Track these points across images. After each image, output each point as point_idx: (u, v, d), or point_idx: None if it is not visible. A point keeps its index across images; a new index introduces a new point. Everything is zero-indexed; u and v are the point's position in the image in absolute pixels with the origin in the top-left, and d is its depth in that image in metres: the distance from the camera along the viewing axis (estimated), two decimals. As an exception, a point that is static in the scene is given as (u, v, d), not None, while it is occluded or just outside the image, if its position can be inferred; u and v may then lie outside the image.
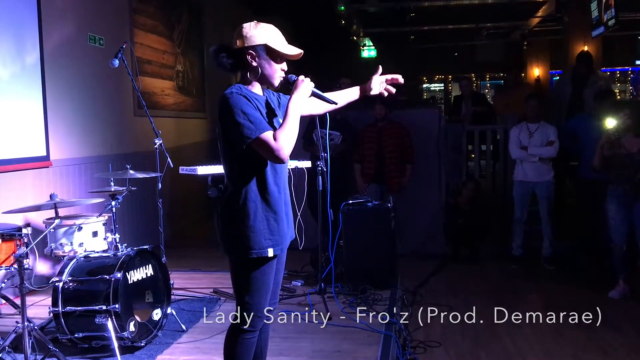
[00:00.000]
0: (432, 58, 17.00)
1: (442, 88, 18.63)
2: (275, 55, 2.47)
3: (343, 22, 11.37)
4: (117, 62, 4.33)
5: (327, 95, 2.69)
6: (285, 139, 2.36)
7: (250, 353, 2.57)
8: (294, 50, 2.50)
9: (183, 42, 8.09)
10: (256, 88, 2.51)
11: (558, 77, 10.86)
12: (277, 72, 2.49)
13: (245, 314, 2.50)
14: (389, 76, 2.82)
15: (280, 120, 2.49)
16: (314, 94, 2.57)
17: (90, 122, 5.84)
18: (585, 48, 8.83)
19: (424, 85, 18.62)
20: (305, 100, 2.52)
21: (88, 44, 5.77)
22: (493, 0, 10.59)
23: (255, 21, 2.50)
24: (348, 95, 2.86)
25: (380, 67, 2.88)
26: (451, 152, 7.18)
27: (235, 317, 2.54)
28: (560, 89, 7.90)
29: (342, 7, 10.38)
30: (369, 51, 15.08)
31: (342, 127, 5.72)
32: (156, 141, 4.46)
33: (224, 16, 9.88)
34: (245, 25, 2.46)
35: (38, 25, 5.04)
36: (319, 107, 2.80)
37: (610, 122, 5.01)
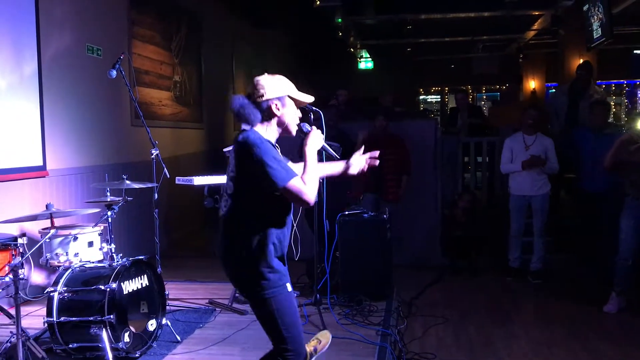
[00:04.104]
0: (429, 70, 17.08)
1: (439, 100, 18.70)
2: (294, 104, 2.66)
3: (340, 34, 11.42)
4: (114, 72, 4.34)
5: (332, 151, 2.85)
6: (311, 182, 2.50)
7: None
8: (308, 98, 2.69)
9: (181, 53, 8.12)
10: (272, 135, 2.62)
11: (554, 90, 10.93)
12: (295, 119, 2.67)
13: (293, 349, 2.54)
14: (368, 155, 2.90)
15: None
16: (323, 148, 2.74)
17: (87, 132, 5.84)
18: (581, 60, 8.90)
19: (421, 97, 18.68)
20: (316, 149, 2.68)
21: (86, 55, 5.80)
22: (489, 13, 10.64)
23: (267, 73, 2.66)
24: (332, 167, 2.94)
25: (362, 145, 3.00)
26: (447, 164, 7.21)
27: (278, 354, 2.56)
28: (556, 101, 7.96)
29: (340, 19, 10.42)
30: (366, 63, 15.13)
31: (341, 139, 5.75)
32: (153, 151, 4.47)
33: (222, 27, 9.93)
34: (262, 78, 2.62)
35: (36, 36, 5.07)
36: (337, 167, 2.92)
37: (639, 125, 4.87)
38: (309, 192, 2.46)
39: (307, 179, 2.49)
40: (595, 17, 8.18)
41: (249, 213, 2.53)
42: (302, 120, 2.70)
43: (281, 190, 2.44)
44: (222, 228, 2.61)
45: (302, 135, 2.67)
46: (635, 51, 16.25)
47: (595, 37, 8.27)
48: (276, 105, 2.59)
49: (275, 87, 2.60)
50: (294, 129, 2.67)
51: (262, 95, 2.57)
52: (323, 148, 2.74)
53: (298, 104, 2.67)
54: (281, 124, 2.63)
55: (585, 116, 6.67)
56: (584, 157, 5.94)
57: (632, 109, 17.02)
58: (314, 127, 2.69)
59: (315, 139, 2.65)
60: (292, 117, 2.64)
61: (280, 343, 2.54)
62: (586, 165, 5.96)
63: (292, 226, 2.74)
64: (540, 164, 5.82)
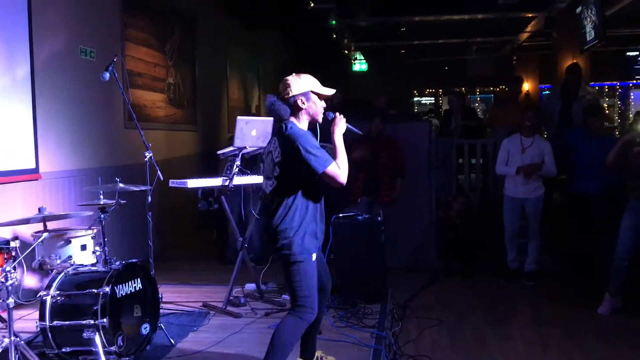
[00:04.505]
0: (423, 72, 17.10)
1: (433, 101, 18.73)
2: (318, 97, 3.15)
3: (335, 36, 11.43)
4: (107, 75, 4.32)
5: (355, 128, 3.36)
6: (344, 166, 3.06)
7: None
8: (330, 91, 3.19)
9: (175, 55, 8.10)
10: (304, 126, 3.15)
11: (549, 92, 10.96)
12: (321, 110, 3.17)
13: (304, 304, 3.08)
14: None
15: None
16: (347, 128, 3.23)
17: (80, 134, 5.82)
18: (574, 61, 8.93)
19: (415, 99, 18.71)
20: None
21: (79, 57, 5.77)
22: (483, 15, 10.67)
23: (295, 73, 3.16)
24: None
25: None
26: (441, 166, 7.21)
27: (293, 308, 3.11)
28: (550, 103, 7.98)
29: (334, 22, 10.44)
30: (360, 65, 15.17)
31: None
32: (146, 154, 4.45)
33: (216, 30, 9.92)
34: (289, 78, 3.14)
35: (29, 38, 5.04)
36: None
37: None
38: (343, 174, 3.03)
39: (340, 163, 3.05)
40: (589, 19, 8.21)
41: (290, 191, 3.05)
42: (327, 109, 3.20)
43: (321, 175, 2.99)
44: (267, 204, 3.18)
45: (328, 121, 3.19)
46: (628, 53, 16.35)
47: (588, 39, 8.31)
48: (301, 100, 3.10)
49: (299, 84, 3.11)
50: (320, 118, 3.18)
51: (289, 93, 3.10)
52: (348, 129, 3.23)
53: (321, 97, 3.16)
54: (308, 115, 3.15)
55: (578, 117, 6.70)
56: (578, 158, 5.95)
57: (625, 110, 17.10)
58: (337, 114, 3.20)
59: (340, 125, 3.18)
60: (316, 108, 3.15)
61: (297, 300, 3.09)
62: (580, 167, 5.97)
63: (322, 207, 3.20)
64: (535, 171, 5.81)
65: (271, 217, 3.10)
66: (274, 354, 3.08)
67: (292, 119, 3.13)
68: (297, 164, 3.00)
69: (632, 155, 4.73)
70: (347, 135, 3.24)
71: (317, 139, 3.24)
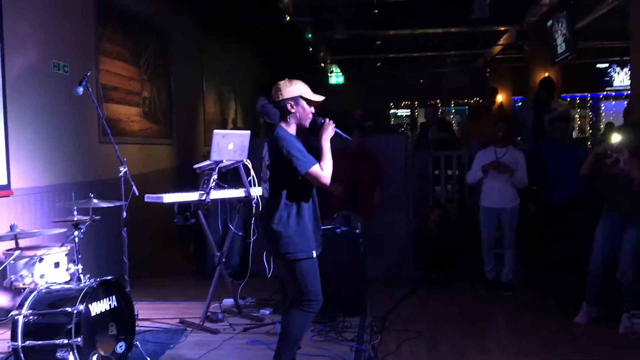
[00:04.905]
0: (399, 84, 17.26)
1: (409, 114, 18.89)
2: (307, 103, 3.29)
3: (310, 49, 11.48)
4: (81, 89, 4.27)
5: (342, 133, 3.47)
6: (327, 169, 3.22)
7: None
8: (319, 97, 3.32)
9: (150, 69, 8.05)
10: (292, 129, 3.30)
11: (520, 103, 11.14)
12: (309, 115, 3.32)
13: (310, 298, 3.22)
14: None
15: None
16: (336, 133, 3.36)
17: (54, 149, 5.73)
18: (546, 75, 9.10)
19: (391, 111, 18.86)
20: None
21: (52, 71, 5.69)
22: (456, 29, 10.84)
23: (287, 79, 3.30)
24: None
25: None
26: (418, 178, 7.26)
27: (300, 303, 3.25)
28: (522, 115, 8.11)
29: (310, 35, 10.49)
30: (336, 77, 15.23)
31: (316, 153, 5.75)
32: (121, 169, 4.39)
33: (191, 43, 9.89)
34: (281, 82, 3.29)
35: (0, 51, 4.96)
36: None
37: (615, 138, 4.81)
38: (326, 175, 3.20)
39: (324, 165, 3.21)
40: (559, 32, 8.39)
41: (282, 193, 3.21)
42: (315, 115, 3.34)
43: (303, 175, 3.16)
44: (264, 207, 3.38)
45: (317, 126, 3.32)
46: (598, 65, 16.71)
47: (559, 52, 8.48)
48: (291, 104, 3.26)
49: (289, 89, 3.26)
50: (307, 123, 3.32)
51: (279, 97, 3.26)
52: (336, 133, 3.36)
53: (310, 103, 3.30)
54: (295, 119, 3.29)
55: (550, 129, 6.82)
56: (550, 168, 6.05)
57: (596, 121, 17.45)
58: (326, 119, 3.33)
59: (328, 130, 3.31)
60: (304, 113, 3.30)
61: (302, 295, 3.23)
62: (552, 177, 6.07)
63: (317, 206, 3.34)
64: (504, 171, 5.84)
65: (269, 220, 3.23)
66: (285, 349, 3.29)
67: (282, 123, 3.29)
68: (284, 166, 3.17)
69: (604, 167, 4.81)
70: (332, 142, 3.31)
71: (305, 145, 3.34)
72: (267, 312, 5.00)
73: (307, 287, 3.22)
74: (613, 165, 4.72)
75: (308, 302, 3.24)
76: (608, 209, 4.96)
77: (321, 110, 3.40)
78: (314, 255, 3.25)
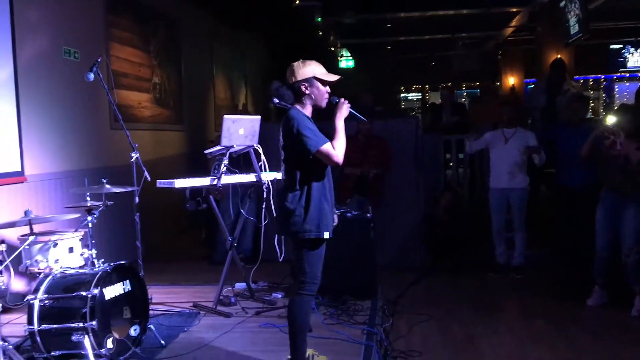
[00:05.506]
0: (409, 68, 17.16)
1: (420, 98, 18.79)
2: (321, 83, 3.27)
3: (320, 33, 11.43)
4: (92, 75, 4.28)
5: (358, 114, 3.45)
6: (339, 147, 3.20)
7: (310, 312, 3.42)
8: (333, 77, 3.31)
9: (160, 55, 8.06)
10: (307, 110, 3.30)
11: (532, 86, 11.04)
12: (324, 95, 3.30)
13: (305, 279, 3.26)
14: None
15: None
16: (350, 113, 3.34)
17: (66, 136, 5.77)
18: (559, 56, 8.99)
19: (402, 95, 18.76)
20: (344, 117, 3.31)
21: (63, 58, 5.72)
22: (468, 11, 10.73)
23: (301, 60, 3.29)
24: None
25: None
26: (429, 162, 7.22)
27: (297, 285, 3.30)
28: (534, 97, 8.04)
29: (319, 19, 10.44)
30: (346, 61, 15.16)
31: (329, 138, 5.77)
32: (133, 154, 4.41)
33: (200, 30, 9.87)
34: (295, 64, 3.28)
35: (11, 39, 4.98)
36: None
37: (611, 119, 4.80)
38: (338, 154, 3.17)
39: (336, 144, 3.18)
40: (572, 13, 8.27)
41: (295, 172, 3.22)
42: (331, 94, 3.32)
43: (314, 154, 3.14)
44: (280, 188, 3.37)
45: (333, 106, 3.30)
46: (611, 46, 16.49)
47: (572, 33, 8.37)
48: (305, 86, 3.24)
49: (303, 70, 3.24)
50: (323, 103, 3.30)
51: (293, 79, 3.25)
52: (351, 114, 3.34)
53: (325, 83, 3.28)
54: (311, 100, 3.28)
55: (562, 111, 6.75)
56: (562, 152, 6.00)
57: (610, 103, 17.25)
58: (342, 99, 3.30)
59: (345, 109, 3.28)
60: (320, 94, 3.28)
61: (302, 276, 3.27)
62: (564, 161, 6.02)
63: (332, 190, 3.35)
64: (533, 151, 5.78)
65: (283, 199, 3.26)
66: (296, 334, 3.30)
67: (297, 104, 3.28)
68: (296, 146, 3.16)
69: (603, 148, 4.78)
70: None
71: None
72: (279, 295, 5.04)
73: (307, 267, 3.25)
74: (611, 147, 4.70)
75: (303, 284, 3.27)
76: (607, 190, 4.96)
77: (330, 94, 3.37)
78: (325, 236, 3.25)
